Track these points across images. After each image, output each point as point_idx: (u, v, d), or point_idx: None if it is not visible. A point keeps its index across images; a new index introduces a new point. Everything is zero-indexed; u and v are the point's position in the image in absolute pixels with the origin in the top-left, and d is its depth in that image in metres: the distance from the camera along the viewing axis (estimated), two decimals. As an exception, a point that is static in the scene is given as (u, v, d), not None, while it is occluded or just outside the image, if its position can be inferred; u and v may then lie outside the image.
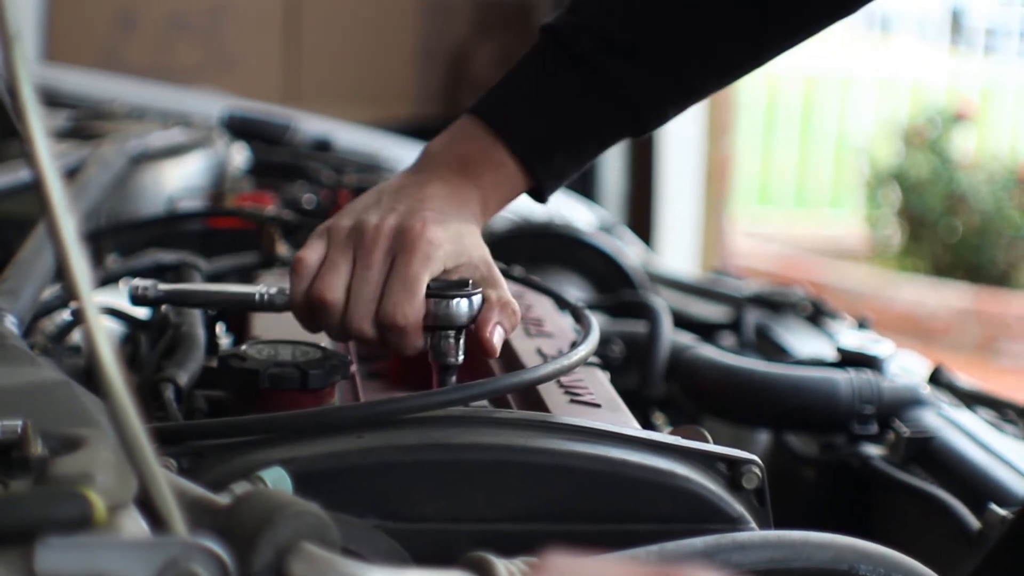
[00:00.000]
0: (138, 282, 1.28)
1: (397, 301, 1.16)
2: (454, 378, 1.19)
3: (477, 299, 1.18)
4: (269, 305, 1.24)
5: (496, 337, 1.18)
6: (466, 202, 1.25)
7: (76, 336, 1.51)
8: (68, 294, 1.40)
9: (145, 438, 0.73)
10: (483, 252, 1.22)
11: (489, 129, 1.28)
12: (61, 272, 1.43)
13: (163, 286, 1.28)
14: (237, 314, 1.45)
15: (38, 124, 0.72)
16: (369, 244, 1.17)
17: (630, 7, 1.30)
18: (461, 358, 1.19)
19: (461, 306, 1.17)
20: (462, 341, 1.18)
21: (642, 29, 1.29)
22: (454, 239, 1.19)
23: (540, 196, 1.32)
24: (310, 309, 1.19)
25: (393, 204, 1.21)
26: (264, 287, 1.24)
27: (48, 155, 0.72)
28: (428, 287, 1.17)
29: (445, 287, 1.18)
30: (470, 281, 1.19)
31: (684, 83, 1.31)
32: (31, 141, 0.72)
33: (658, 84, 1.29)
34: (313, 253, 1.19)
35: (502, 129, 1.27)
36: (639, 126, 1.31)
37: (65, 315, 1.48)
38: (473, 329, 1.18)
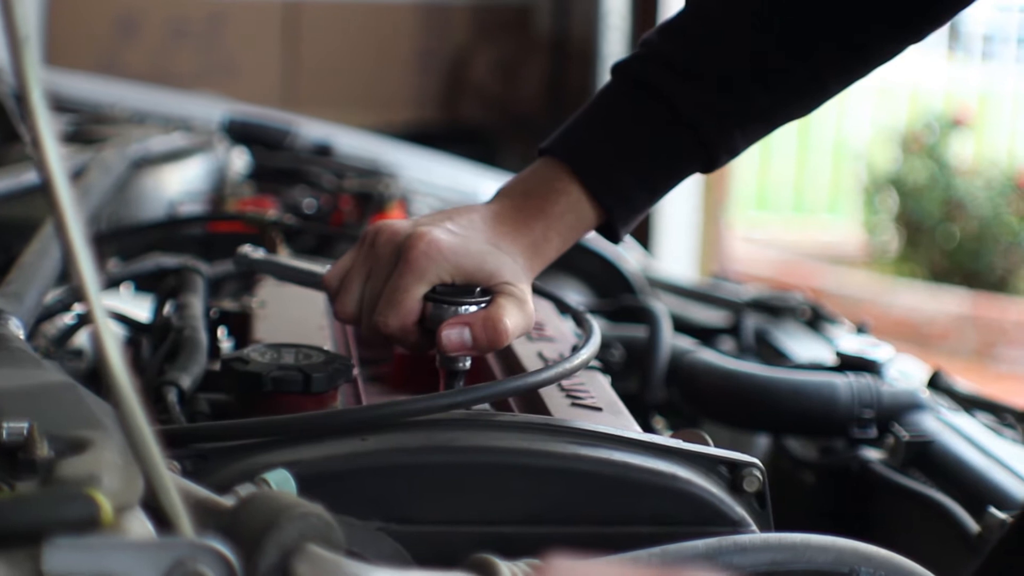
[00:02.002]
0: (247, 248, 1.43)
1: (381, 310, 1.19)
2: (461, 383, 1.20)
3: (481, 307, 1.18)
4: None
5: (453, 334, 1.17)
6: (513, 230, 1.23)
7: (78, 339, 1.51)
8: (74, 297, 1.41)
9: (152, 440, 0.73)
10: (515, 276, 1.21)
11: (556, 160, 1.26)
12: (67, 275, 1.43)
13: (259, 255, 1.42)
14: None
15: (48, 128, 0.72)
16: (378, 255, 1.21)
17: (692, 35, 1.29)
18: (468, 363, 1.19)
19: (451, 311, 1.18)
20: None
21: (701, 52, 1.28)
22: (472, 255, 1.19)
23: (613, 230, 1.28)
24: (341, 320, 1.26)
25: (423, 220, 1.23)
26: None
27: (58, 159, 0.72)
28: (434, 291, 1.18)
29: (448, 293, 1.18)
30: (478, 289, 1.19)
31: (747, 108, 1.28)
32: (40, 145, 0.73)
33: (723, 108, 1.27)
34: (335, 271, 1.25)
35: (567, 158, 1.26)
36: (707, 152, 1.28)
37: (67, 318, 1.49)
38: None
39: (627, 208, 1.27)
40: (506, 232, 1.23)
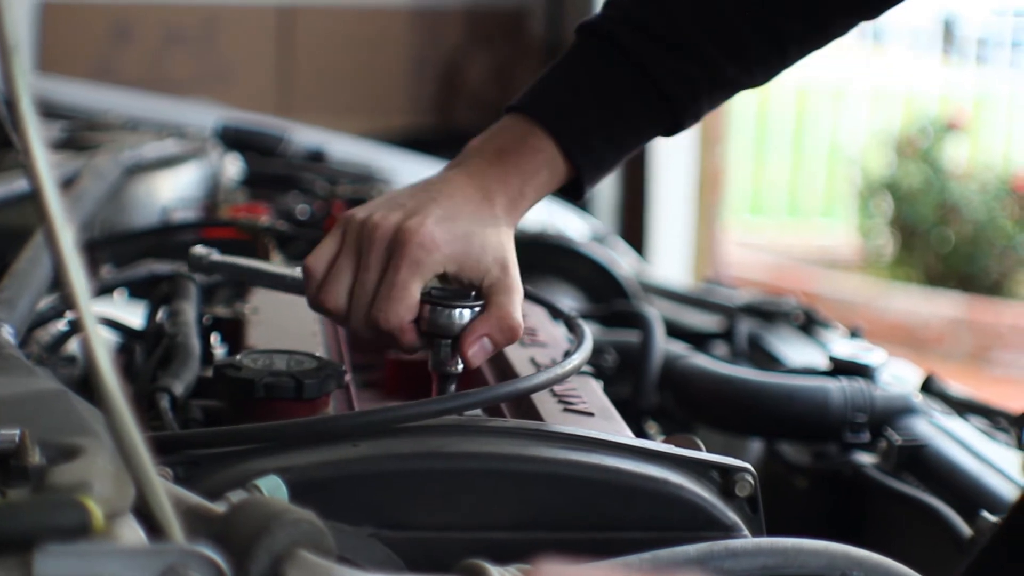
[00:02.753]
0: (199, 249, 1.38)
1: (381, 306, 1.17)
2: (453, 387, 1.20)
3: (468, 312, 1.18)
4: (296, 288, 1.30)
5: (477, 350, 1.18)
6: (493, 195, 1.24)
7: (71, 346, 1.51)
8: (65, 304, 1.41)
9: (143, 447, 0.74)
10: (500, 253, 1.21)
11: (528, 118, 1.27)
12: (58, 283, 1.44)
13: (216, 257, 1.37)
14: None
15: (36, 136, 0.72)
16: (368, 245, 1.19)
17: (664, 1, 1.31)
18: (461, 367, 1.19)
19: (455, 316, 1.17)
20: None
21: (672, 19, 1.30)
22: (460, 239, 1.19)
23: (579, 187, 1.29)
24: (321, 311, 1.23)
25: (406, 200, 1.21)
26: (296, 271, 1.28)
27: (46, 166, 0.72)
28: (429, 294, 1.18)
29: (444, 296, 1.18)
30: (473, 292, 1.19)
31: (715, 76, 1.31)
32: (29, 152, 0.73)
33: (690, 72, 1.29)
34: (321, 258, 1.22)
35: (540, 116, 1.27)
36: (674, 116, 1.31)
37: (60, 325, 1.49)
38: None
39: (596, 167, 1.29)
40: (485, 197, 1.23)
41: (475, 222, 1.21)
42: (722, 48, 1.30)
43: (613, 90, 1.29)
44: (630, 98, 1.29)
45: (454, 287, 1.19)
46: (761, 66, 1.34)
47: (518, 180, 1.25)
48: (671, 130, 1.33)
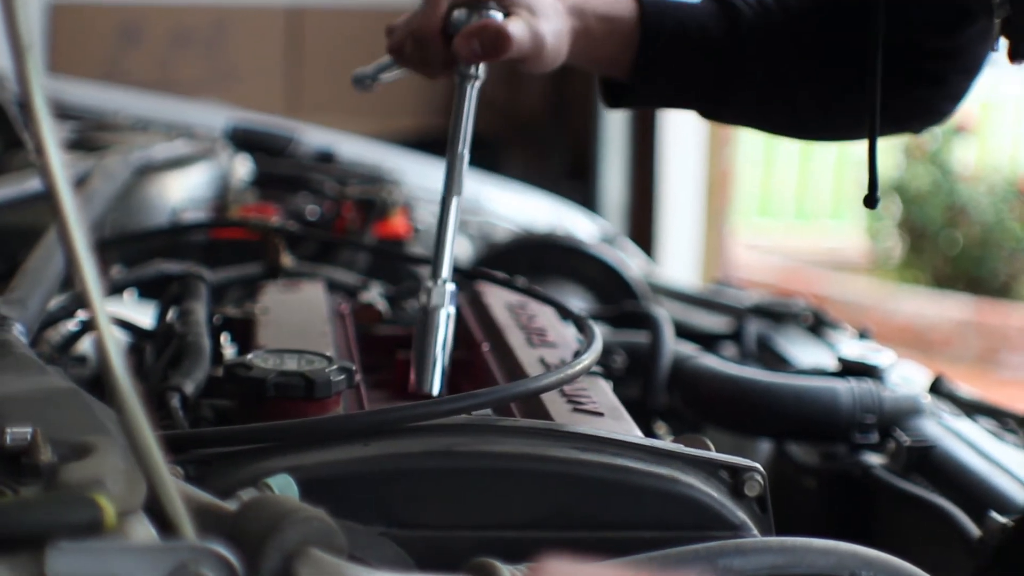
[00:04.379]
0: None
1: (415, 18, 1.33)
2: (475, 90, 1.33)
3: (487, 13, 1.30)
4: None
5: (462, 45, 1.31)
6: None
7: (81, 346, 1.51)
8: (77, 304, 1.41)
9: (155, 445, 0.74)
10: (535, 1, 1.32)
11: None
12: (70, 282, 1.44)
13: None
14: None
15: (51, 135, 0.73)
16: None
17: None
18: (479, 72, 1.33)
19: (465, 17, 1.31)
20: None
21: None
22: None
23: (623, 91, 1.44)
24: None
25: None
26: None
27: (61, 166, 0.73)
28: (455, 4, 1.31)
29: (463, 2, 1.31)
30: (492, 2, 1.31)
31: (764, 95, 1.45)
32: (43, 152, 0.73)
33: (754, 81, 1.43)
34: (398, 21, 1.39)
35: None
36: (721, 99, 1.46)
37: (70, 325, 1.49)
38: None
39: (650, 77, 1.42)
40: None
41: None
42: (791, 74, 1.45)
43: (707, 34, 1.42)
44: (711, 43, 1.42)
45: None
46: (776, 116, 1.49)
47: (587, 2, 1.38)
48: (716, 102, 1.46)
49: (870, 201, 1.39)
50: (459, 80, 1.34)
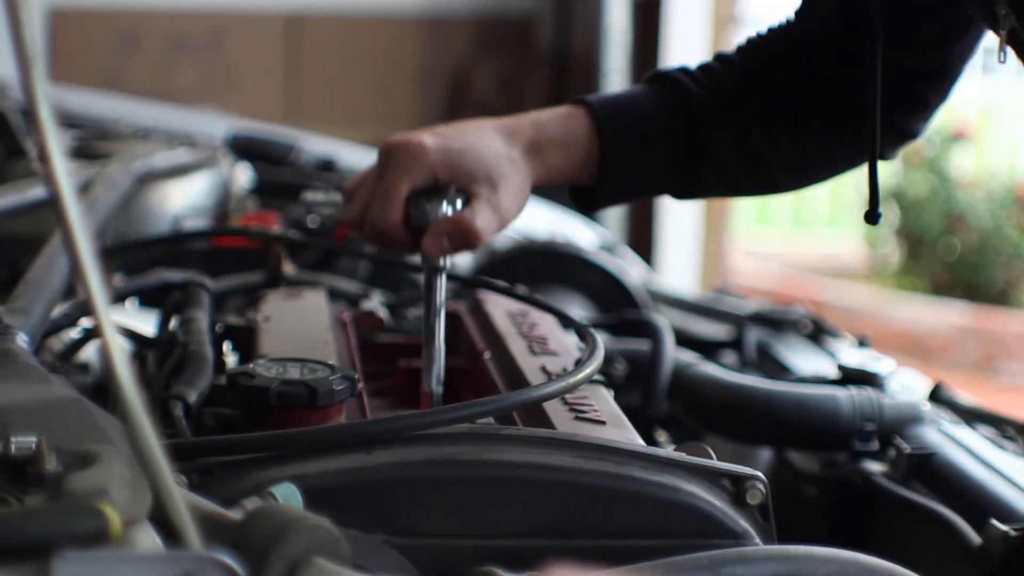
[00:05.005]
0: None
1: (373, 208, 1.29)
2: (443, 279, 1.28)
3: (442, 204, 1.27)
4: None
5: (432, 244, 1.27)
6: (513, 135, 1.35)
7: (83, 354, 1.52)
8: (80, 312, 1.41)
9: (161, 454, 0.74)
10: (494, 172, 1.31)
11: (579, 104, 1.42)
12: (74, 290, 1.44)
13: None
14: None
15: (56, 144, 0.73)
16: (380, 160, 1.31)
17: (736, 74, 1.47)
18: (448, 262, 1.28)
19: (428, 211, 1.27)
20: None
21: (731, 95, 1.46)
22: (453, 152, 1.29)
23: (591, 195, 1.43)
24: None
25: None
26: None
27: (65, 174, 0.73)
28: (418, 191, 1.28)
29: (422, 192, 1.27)
30: (452, 188, 1.28)
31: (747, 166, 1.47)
32: (48, 160, 0.73)
33: (723, 154, 1.45)
34: (353, 179, 1.38)
35: (591, 103, 1.41)
36: (690, 182, 1.47)
37: (72, 333, 1.49)
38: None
39: (620, 169, 1.42)
40: (504, 134, 1.35)
41: (479, 143, 1.31)
42: (758, 128, 1.46)
43: (660, 124, 1.43)
44: (670, 135, 1.44)
45: (431, 186, 1.28)
46: (786, 161, 1.49)
47: (543, 138, 1.37)
48: (677, 194, 1.50)
49: (871, 217, 1.40)
50: (427, 272, 1.30)
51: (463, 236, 1.27)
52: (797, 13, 1.49)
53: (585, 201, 1.46)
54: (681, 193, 1.50)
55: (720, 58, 1.50)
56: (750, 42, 1.51)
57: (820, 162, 1.50)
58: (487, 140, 1.32)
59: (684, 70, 1.47)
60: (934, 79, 1.46)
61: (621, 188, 1.44)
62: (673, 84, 1.45)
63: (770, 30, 1.51)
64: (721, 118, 1.44)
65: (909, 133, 1.50)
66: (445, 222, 1.27)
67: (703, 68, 1.48)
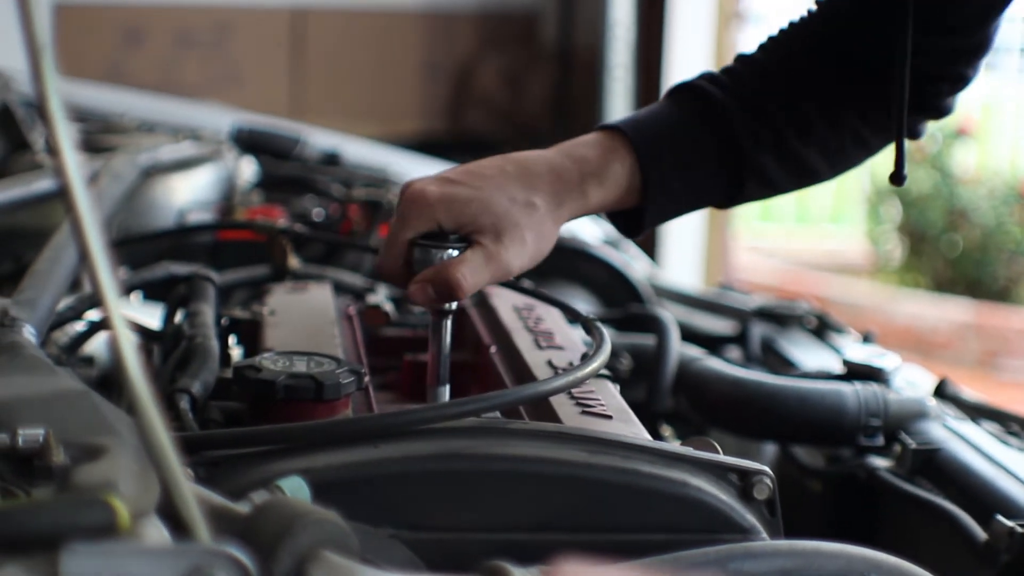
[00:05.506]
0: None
1: (383, 257, 1.29)
2: (449, 322, 1.26)
3: (451, 252, 1.25)
4: None
5: (416, 291, 1.26)
6: (536, 178, 1.31)
7: (88, 347, 1.51)
8: (86, 305, 1.41)
9: (171, 446, 0.74)
10: (501, 222, 1.27)
11: (616, 132, 1.37)
12: (84, 283, 1.43)
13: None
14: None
15: (66, 135, 0.73)
16: (396, 206, 1.31)
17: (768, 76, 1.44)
18: (454, 305, 1.26)
19: (430, 256, 1.25)
20: None
21: (756, 92, 1.42)
22: (457, 199, 1.26)
23: (639, 220, 1.39)
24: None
25: (443, 172, 1.32)
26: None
27: (76, 165, 0.73)
28: (421, 237, 1.26)
29: (428, 239, 1.26)
30: (452, 237, 1.26)
31: (783, 145, 1.42)
32: (58, 151, 0.73)
33: (764, 138, 1.41)
34: None
35: (629, 132, 1.36)
36: (734, 194, 1.43)
37: (78, 326, 1.49)
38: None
39: (664, 196, 1.38)
40: (525, 175, 1.31)
41: (491, 189, 1.28)
42: (792, 126, 1.42)
43: (697, 139, 1.39)
44: (709, 150, 1.40)
45: (437, 232, 1.27)
46: (823, 152, 1.45)
47: (577, 173, 1.32)
48: (722, 205, 1.45)
49: (897, 179, 1.39)
50: (433, 316, 1.29)
51: (444, 286, 1.24)
52: (819, 3, 1.47)
53: (628, 225, 1.42)
54: (725, 204, 1.46)
55: (742, 59, 1.47)
56: (772, 39, 1.48)
57: (856, 147, 1.47)
58: (502, 185, 1.29)
59: (707, 77, 1.44)
60: (972, 56, 1.44)
61: (666, 210, 1.40)
62: (700, 95, 1.41)
63: (792, 24, 1.48)
64: (754, 121, 1.41)
65: (942, 110, 1.48)
66: (430, 271, 1.25)
67: (726, 72, 1.45)
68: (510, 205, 1.28)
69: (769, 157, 1.41)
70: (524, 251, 1.28)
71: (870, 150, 1.49)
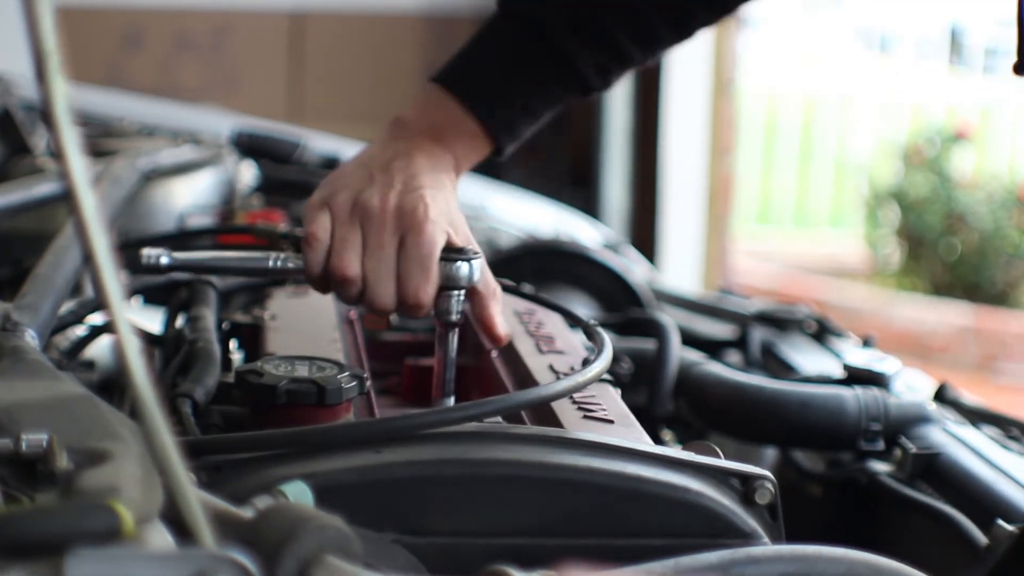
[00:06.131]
0: (148, 251, 1.33)
1: (418, 283, 1.25)
2: (454, 335, 1.27)
3: (477, 262, 1.27)
4: (283, 272, 1.32)
5: (501, 328, 1.31)
6: (445, 171, 1.36)
7: (89, 351, 1.51)
8: (88, 309, 1.41)
9: (175, 451, 0.74)
10: (460, 218, 1.32)
11: (459, 100, 1.41)
12: (86, 287, 1.43)
13: (176, 254, 1.33)
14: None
15: (71, 139, 0.73)
16: (377, 224, 1.27)
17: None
18: (460, 316, 1.28)
19: (462, 269, 1.26)
20: (462, 300, 1.27)
21: (584, 9, 1.45)
22: (446, 212, 1.29)
23: (498, 155, 1.46)
24: (327, 282, 1.28)
25: (389, 181, 1.30)
26: (276, 255, 1.30)
27: (81, 169, 0.73)
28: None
29: (449, 252, 1.27)
30: (462, 247, 1.28)
31: (621, 55, 1.48)
32: (64, 155, 0.73)
33: (600, 57, 1.46)
34: (322, 228, 1.28)
35: (472, 101, 1.41)
36: (586, 91, 1.48)
37: (79, 330, 1.49)
38: (475, 322, 1.31)
39: (515, 140, 1.45)
40: (442, 171, 1.36)
41: (447, 196, 1.32)
42: (632, 37, 1.48)
43: (534, 73, 1.45)
44: (549, 80, 1.46)
45: (450, 245, 1.28)
46: (659, 44, 1.51)
47: (454, 158, 1.39)
48: (583, 97, 1.51)
49: (1020, 68, 1.38)
50: (439, 328, 1.30)
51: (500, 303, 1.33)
52: None
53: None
54: (583, 95, 1.50)
55: None
56: None
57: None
58: (444, 186, 1.35)
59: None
60: None
61: (518, 142, 1.47)
62: (535, 25, 1.45)
63: None
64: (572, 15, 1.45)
65: None
66: (489, 300, 1.33)
67: None
68: (455, 201, 1.35)
69: (613, 74, 1.48)
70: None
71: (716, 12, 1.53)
